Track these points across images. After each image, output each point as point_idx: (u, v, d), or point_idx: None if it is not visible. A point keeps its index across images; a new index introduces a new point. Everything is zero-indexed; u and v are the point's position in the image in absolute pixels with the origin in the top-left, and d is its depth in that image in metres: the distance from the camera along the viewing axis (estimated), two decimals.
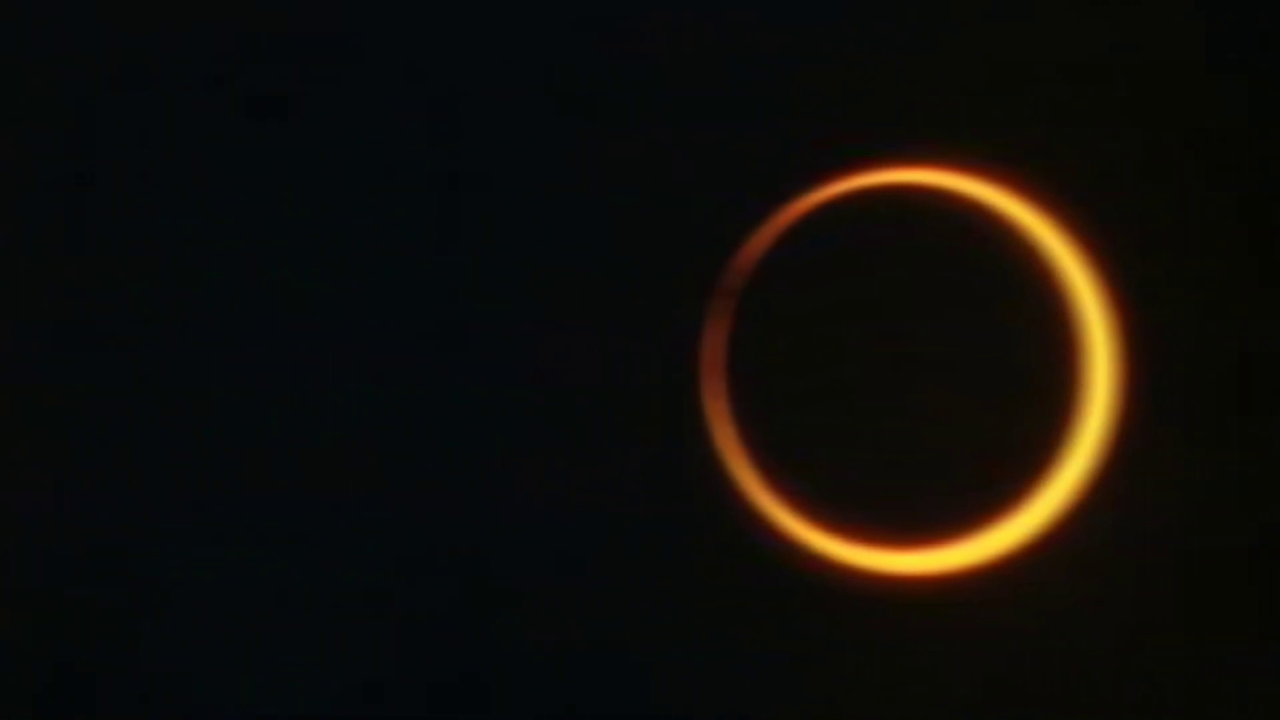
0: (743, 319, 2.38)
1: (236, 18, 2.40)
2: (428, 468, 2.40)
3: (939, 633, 2.38)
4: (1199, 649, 2.39)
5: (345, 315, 2.40)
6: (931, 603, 2.38)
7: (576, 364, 2.39)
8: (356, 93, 2.41)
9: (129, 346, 2.40)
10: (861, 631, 2.39)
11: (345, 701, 2.40)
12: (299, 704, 2.40)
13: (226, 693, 2.39)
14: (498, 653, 2.39)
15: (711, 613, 2.39)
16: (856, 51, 2.39)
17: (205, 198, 2.41)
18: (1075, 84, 2.39)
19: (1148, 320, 2.39)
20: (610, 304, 2.39)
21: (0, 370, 2.40)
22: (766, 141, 2.39)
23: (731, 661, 2.39)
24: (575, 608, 2.39)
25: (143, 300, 2.41)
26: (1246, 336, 2.39)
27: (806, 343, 2.38)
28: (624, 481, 2.39)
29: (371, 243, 2.41)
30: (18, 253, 2.40)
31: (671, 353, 2.39)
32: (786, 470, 2.38)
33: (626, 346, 2.39)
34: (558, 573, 2.39)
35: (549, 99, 2.40)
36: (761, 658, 2.39)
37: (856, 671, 2.39)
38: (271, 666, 2.39)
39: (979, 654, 2.39)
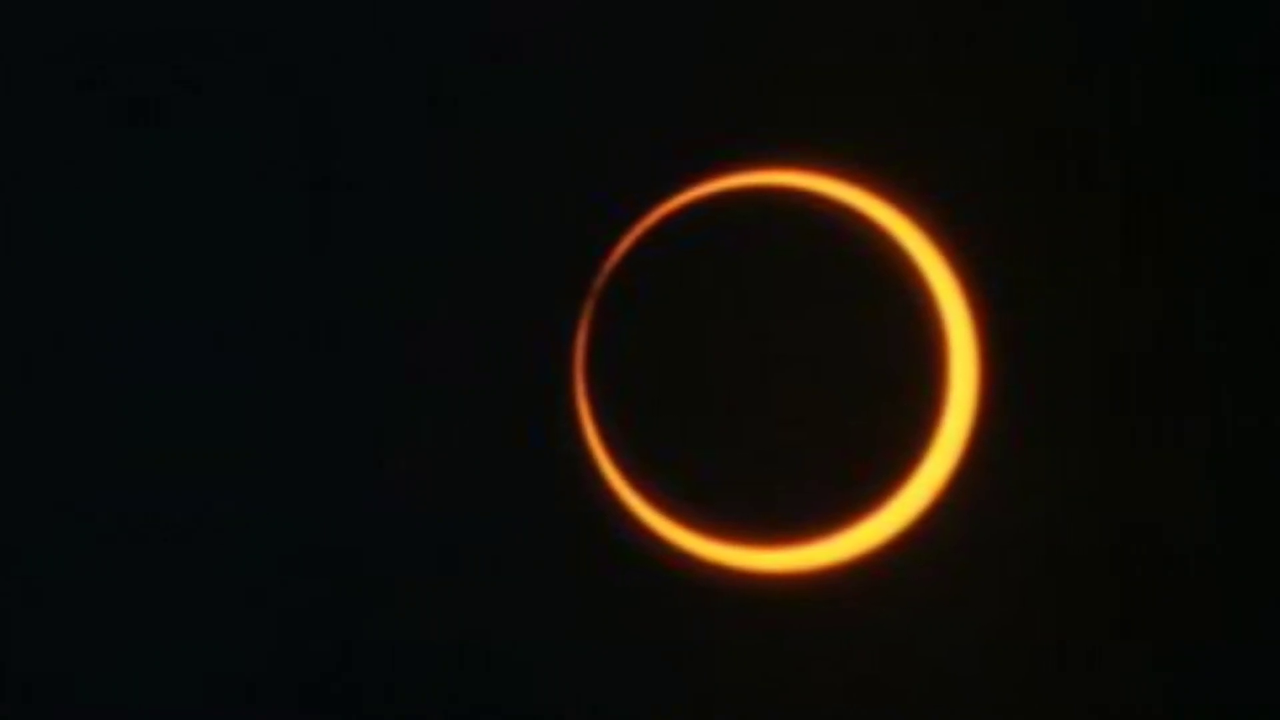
0: (609, 320, 2.41)
1: (104, 19, 2.44)
2: (300, 466, 2.44)
3: (804, 630, 2.41)
4: (1063, 647, 2.41)
5: (218, 316, 2.44)
6: (796, 600, 2.41)
7: (447, 364, 2.43)
8: (226, 95, 2.45)
9: None
10: (728, 629, 2.41)
11: (219, 698, 2.44)
12: (173, 699, 2.44)
13: (102, 688, 2.44)
14: (370, 650, 2.43)
15: (581, 612, 2.42)
16: (720, 55, 2.42)
17: (74, 201, 2.45)
18: (937, 86, 2.42)
19: (1009, 321, 2.41)
20: (479, 305, 2.43)
21: None
22: (632, 145, 2.42)
23: (600, 660, 2.42)
24: (446, 606, 2.43)
25: (14, 303, 2.45)
26: (1107, 337, 2.41)
27: (672, 343, 2.41)
28: (494, 481, 2.42)
29: (243, 245, 2.45)
30: None
31: (540, 353, 2.42)
32: (653, 469, 2.41)
33: (496, 347, 2.43)
34: (429, 571, 2.43)
35: (419, 102, 2.44)
36: (630, 656, 2.42)
37: (724, 669, 2.42)
38: (146, 662, 2.44)
39: (844, 651, 2.41)
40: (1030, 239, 2.41)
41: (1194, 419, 2.41)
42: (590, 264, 2.41)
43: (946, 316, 2.40)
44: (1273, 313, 2.41)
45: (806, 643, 2.41)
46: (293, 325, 2.44)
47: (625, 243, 2.41)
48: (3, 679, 2.44)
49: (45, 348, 2.45)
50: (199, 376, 2.44)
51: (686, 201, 2.40)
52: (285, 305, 2.44)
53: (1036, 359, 2.41)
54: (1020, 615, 2.41)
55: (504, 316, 2.42)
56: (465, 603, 2.42)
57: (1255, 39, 2.42)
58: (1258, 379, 2.41)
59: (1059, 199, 2.41)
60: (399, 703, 2.43)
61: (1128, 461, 2.41)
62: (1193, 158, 2.41)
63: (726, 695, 2.42)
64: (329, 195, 2.44)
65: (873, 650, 2.41)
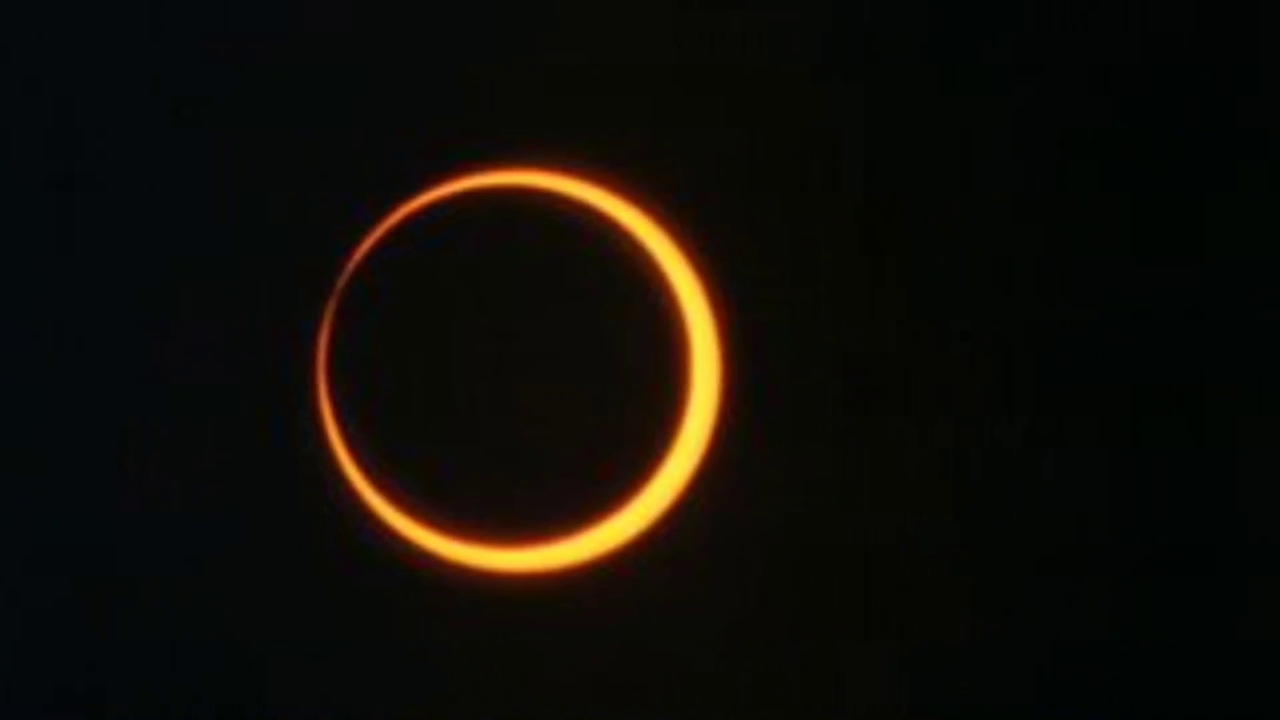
0: (351, 320, 2.41)
1: None
2: (45, 466, 2.43)
3: (546, 630, 2.41)
4: (804, 647, 2.41)
5: None
6: (538, 600, 2.41)
7: (189, 364, 2.43)
8: None
9: None
10: (469, 629, 2.42)
11: None
12: None
13: None
14: (114, 650, 2.43)
15: (322, 611, 2.42)
16: (462, 54, 2.42)
17: None
18: (679, 86, 2.41)
19: (751, 320, 2.41)
20: (220, 304, 2.42)
21: None
22: (374, 144, 2.42)
23: (341, 659, 2.42)
24: (187, 606, 2.42)
25: None
26: (850, 337, 2.41)
27: (414, 343, 2.41)
28: (236, 481, 2.42)
29: None
30: None
31: (281, 353, 2.42)
32: (394, 469, 2.41)
33: (237, 347, 2.42)
34: (170, 571, 2.43)
35: (161, 101, 2.43)
36: (371, 656, 2.42)
37: (465, 669, 2.42)
38: None
39: (586, 651, 2.41)
40: (773, 239, 2.41)
41: (937, 419, 2.41)
42: (332, 263, 2.41)
43: (689, 316, 2.40)
44: (1015, 314, 2.41)
45: (548, 643, 2.41)
46: (35, 324, 2.43)
47: (367, 242, 2.40)
48: None
49: None
50: None
51: (428, 201, 2.40)
52: (27, 304, 2.43)
53: (779, 359, 2.41)
54: (763, 615, 2.41)
55: (245, 316, 2.42)
56: (207, 603, 2.42)
57: (1001, 39, 2.42)
58: (1000, 380, 2.41)
59: (802, 199, 2.41)
60: (143, 703, 2.42)
61: (871, 461, 2.41)
62: (936, 158, 2.41)
63: (467, 696, 2.42)
64: (71, 194, 2.43)
65: (615, 650, 2.41)
